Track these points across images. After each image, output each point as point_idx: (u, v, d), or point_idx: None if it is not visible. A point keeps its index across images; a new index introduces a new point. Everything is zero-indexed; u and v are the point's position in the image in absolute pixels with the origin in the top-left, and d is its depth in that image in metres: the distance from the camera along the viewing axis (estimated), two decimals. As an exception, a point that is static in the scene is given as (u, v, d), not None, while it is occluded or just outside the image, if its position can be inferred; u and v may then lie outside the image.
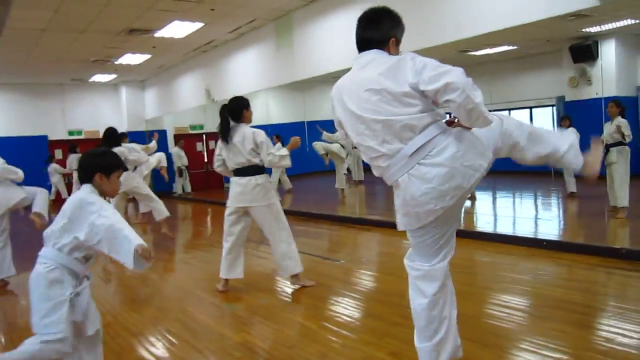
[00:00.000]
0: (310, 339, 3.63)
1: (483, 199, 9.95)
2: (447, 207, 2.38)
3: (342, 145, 11.49)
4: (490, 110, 2.32)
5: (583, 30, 10.28)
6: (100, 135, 15.78)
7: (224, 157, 4.76)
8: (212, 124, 15.97)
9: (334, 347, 3.46)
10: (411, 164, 2.36)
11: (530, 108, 13.70)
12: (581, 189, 8.96)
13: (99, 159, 2.69)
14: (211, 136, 16.40)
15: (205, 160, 16.22)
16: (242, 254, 4.88)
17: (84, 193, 2.59)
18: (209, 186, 15.66)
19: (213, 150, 16.63)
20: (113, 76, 14.87)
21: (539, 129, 2.65)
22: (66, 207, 2.57)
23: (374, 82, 2.38)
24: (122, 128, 16.25)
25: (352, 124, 2.50)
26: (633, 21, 9.52)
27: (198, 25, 9.76)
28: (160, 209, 7.64)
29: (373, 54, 2.50)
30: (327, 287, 4.85)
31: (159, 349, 3.64)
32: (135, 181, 7.43)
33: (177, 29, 9.94)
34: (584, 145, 2.68)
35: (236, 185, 4.72)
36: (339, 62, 8.48)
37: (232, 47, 11.42)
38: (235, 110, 4.68)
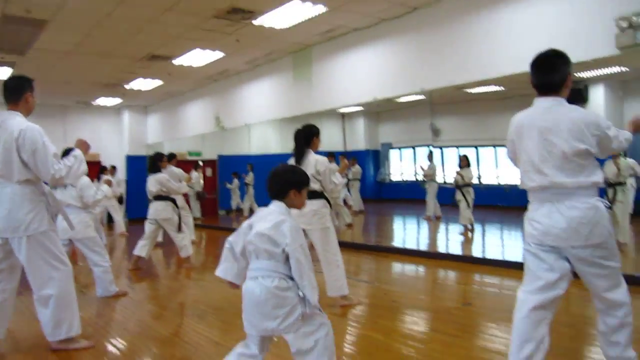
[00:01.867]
0: (382, 349, 3.92)
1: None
2: None
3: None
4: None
5: (575, 74, 10.92)
6: (100, 158, 16.01)
7: None
8: (210, 151, 16.21)
9: (409, 356, 3.74)
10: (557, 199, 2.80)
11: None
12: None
13: (294, 175, 2.76)
14: (207, 164, 16.56)
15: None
16: None
17: (281, 215, 2.65)
18: (204, 212, 15.76)
19: (210, 178, 16.43)
20: (118, 100, 15.04)
21: None
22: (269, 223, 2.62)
23: (552, 134, 2.75)
24: (123, 152, 16.42)
25: (524, 158, 2.89)
26: (621, 69, 10.21)
27: (218, 55, 10.08)
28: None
29: (555, 102, 2.85)
30: (371, 305, 5.18)
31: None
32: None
33: (197, 58, 10.24)
34: None
35: None
36: (359, 96, 8.94)
37: (245, 77, 11.77)
38: (308, 136, 4.99)
